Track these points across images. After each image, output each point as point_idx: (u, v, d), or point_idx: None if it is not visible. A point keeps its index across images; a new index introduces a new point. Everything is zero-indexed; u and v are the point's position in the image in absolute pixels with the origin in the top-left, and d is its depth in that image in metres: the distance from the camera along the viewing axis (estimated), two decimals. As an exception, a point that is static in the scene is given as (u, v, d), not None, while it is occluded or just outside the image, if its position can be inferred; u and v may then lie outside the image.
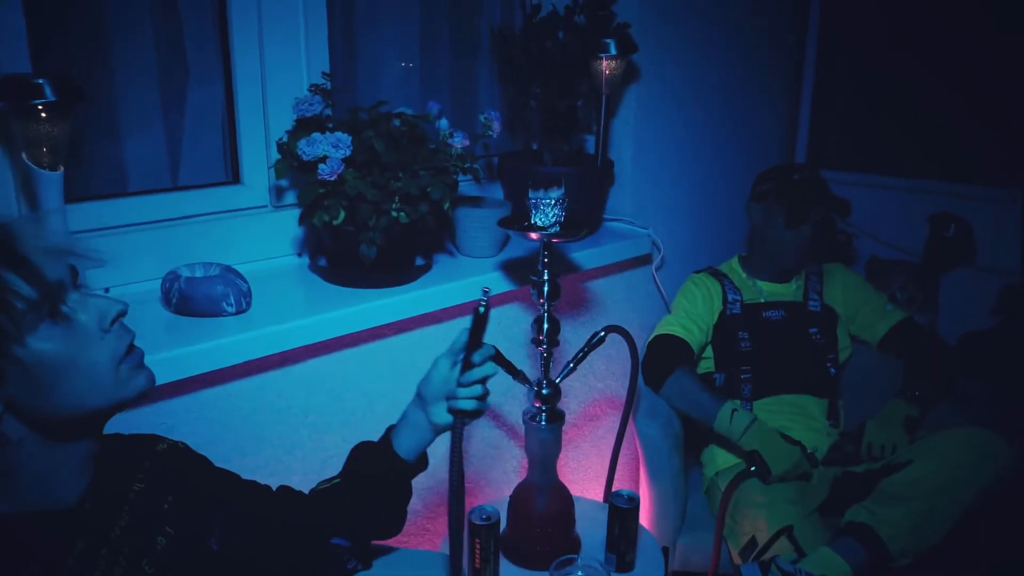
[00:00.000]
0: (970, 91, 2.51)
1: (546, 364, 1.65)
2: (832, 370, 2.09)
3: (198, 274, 1.52)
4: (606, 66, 1.94)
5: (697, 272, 2.24)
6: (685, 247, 2.40)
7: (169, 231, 1.62)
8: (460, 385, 1.19)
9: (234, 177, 1.75)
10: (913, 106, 2.66)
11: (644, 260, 2.27)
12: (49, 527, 0.91)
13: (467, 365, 1.19)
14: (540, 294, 1.61)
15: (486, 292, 1.18)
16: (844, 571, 1.62)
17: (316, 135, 1.51)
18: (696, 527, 2.01)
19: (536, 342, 1.64)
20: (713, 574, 1.86)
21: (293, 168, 1.59)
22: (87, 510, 0.95)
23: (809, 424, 2.04)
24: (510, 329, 1.96)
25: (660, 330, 2.10)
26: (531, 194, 1.54)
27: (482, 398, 1.20)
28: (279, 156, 1.62)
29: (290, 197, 1.77)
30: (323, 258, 1.76)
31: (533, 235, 1.56)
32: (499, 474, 2.06)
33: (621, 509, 1.70)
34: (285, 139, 1.61)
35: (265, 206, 1.76)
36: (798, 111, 2.83)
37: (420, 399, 1.26)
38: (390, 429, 1.29)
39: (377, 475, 1.26)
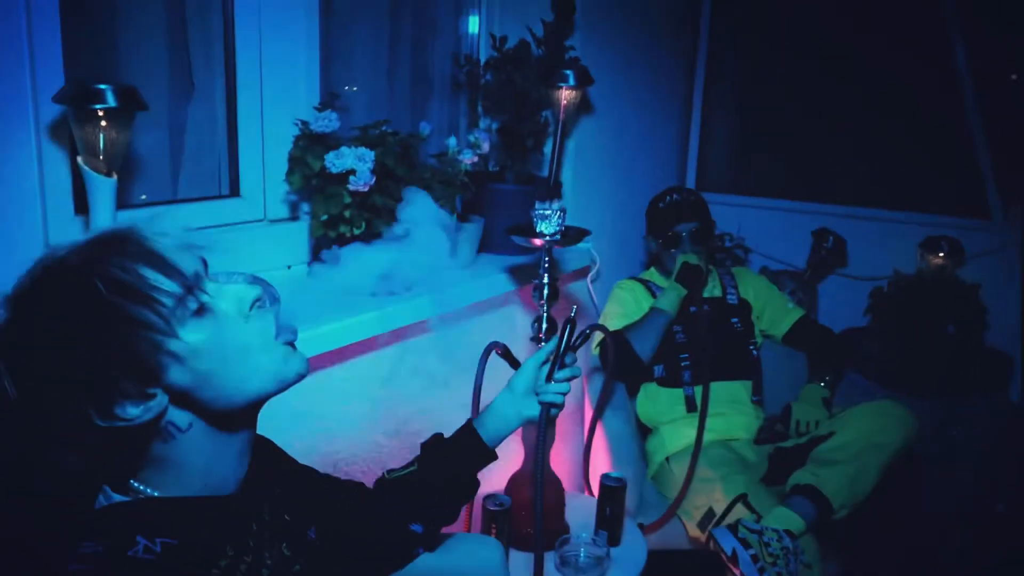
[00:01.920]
0: (839, 124, 2.98)
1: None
2: (754, 352, 2.41)
3: (226, 282, 1.55)
4: (564, 96, 2.15)
5: (621, 280, 2.49)
6: (614, 261, 2.65)
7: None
8: (552, 381, 1.37)
9: (233, 191, 1.79)
10: (791, 138, 3.10)
11: (583, 272, 2.50)
12: (226, 510, 0.95)
13: (561, 365, 1.38)
14: (540, 295, 1.78)
15: (575, 308, 1.44)
16: (799, 524, 1.89)
17: (345, 149, 1.60)
18: (649, 509, 2.22)
19: (536, 340, 1.80)
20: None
21: (308, 179, 1.67)
22: (244, 495, 0.99)
23: (740, 409, 2.33)
24: (499, 329, 2.08)
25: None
26: (537, 206, 1.71)
27: (566, 393, 1.39)
28: (290, 169, 1.69)
29: (284, 210, 1.83)
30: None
31: (537, 241, 1.73)
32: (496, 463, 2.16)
33: (612, 488, 1.90)
34: (298, 152, 1.68)
35: (262, 220, 1.81)
36: (687, 142, 3.19)
37: (511, 393, 1.39)
38: (469, 422, 1.38)
39: (456, 463, 1.35)
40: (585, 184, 2.49)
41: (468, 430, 1.38)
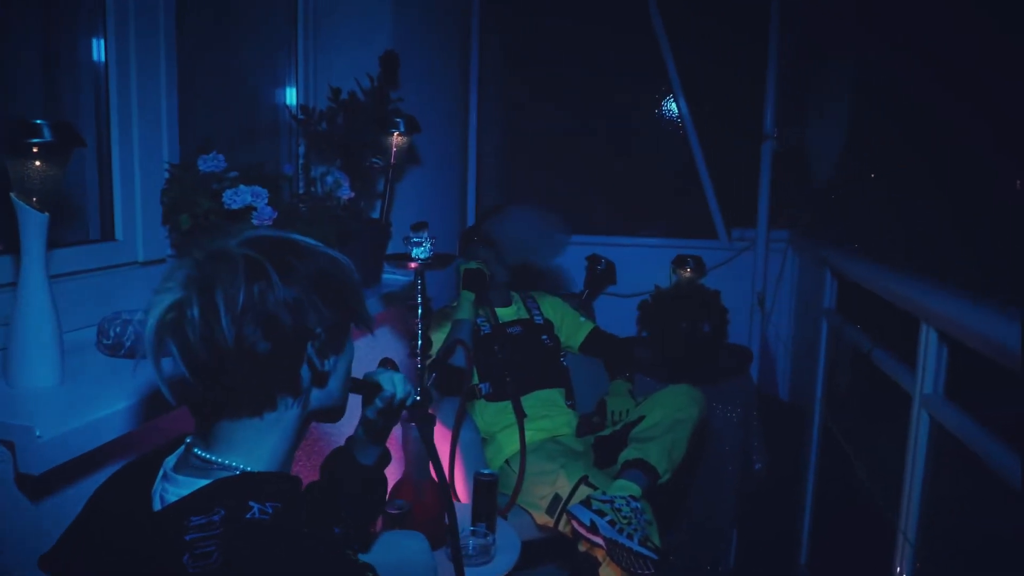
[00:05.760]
0: (595, 170, 3.53)
1: (420, 374, 2.01)
2: (565, 362, 2.79)
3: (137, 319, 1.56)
4: (395, 141, 2.38)
5: (441, 308, 2.76)
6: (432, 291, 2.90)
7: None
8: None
9: (106, 235, 1.78)
10: (555, 182, 3.60)
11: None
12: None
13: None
14: (415, 315, 1.98)
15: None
16: (637, 490, 2.26)
17: (242, 187, 1.69)
18: (496, 508, 2.47)
19: (414, 355, 1.99)
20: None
21: (197, 219, 1.73)
22: None
23: (559, 412, 2.68)
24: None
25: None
26: (412, 235, 1.92)
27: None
28: (172, 209, 1.74)
29: (156, 253, 1.85)
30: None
31: (412, 265, 1.93)
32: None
33: (487, 483, 2.12)
34: (182, 192, 1.73)
35: (135, 262, 1.81)
36: (466, 187, 3.56)
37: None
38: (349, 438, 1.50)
39: (346, 467, 1.47)
40: (404, 221, 2.72)
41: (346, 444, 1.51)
